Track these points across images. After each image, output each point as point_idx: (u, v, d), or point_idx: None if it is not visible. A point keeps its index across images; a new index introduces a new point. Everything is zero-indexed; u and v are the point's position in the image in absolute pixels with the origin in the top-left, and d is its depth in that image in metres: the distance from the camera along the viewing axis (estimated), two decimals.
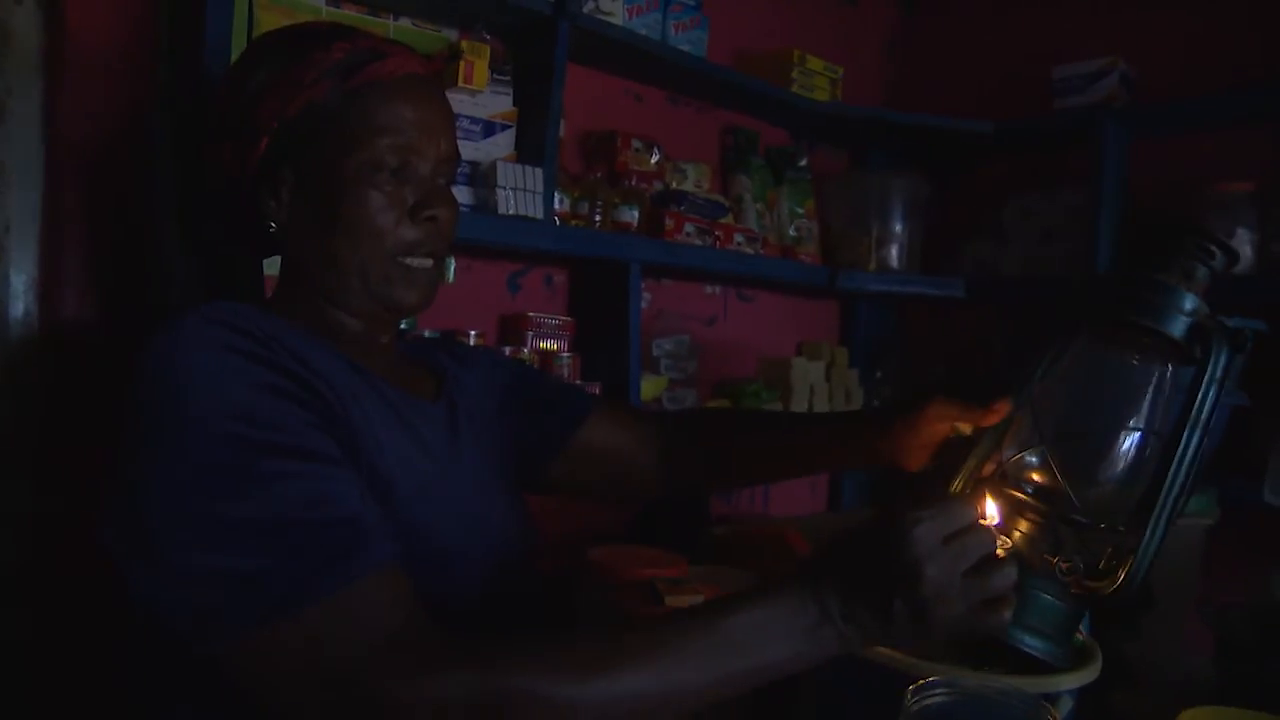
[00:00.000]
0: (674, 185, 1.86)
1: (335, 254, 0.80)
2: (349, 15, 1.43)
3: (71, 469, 1.13)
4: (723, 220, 1.85)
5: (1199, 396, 0.73)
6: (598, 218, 1.64)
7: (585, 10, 1.57)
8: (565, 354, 1.65)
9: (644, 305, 1.87)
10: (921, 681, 0.66)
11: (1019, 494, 0.78)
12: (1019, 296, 2.04)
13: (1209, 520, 1.32)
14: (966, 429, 0.89)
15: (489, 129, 1.49)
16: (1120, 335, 0.78)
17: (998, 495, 0.77)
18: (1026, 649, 0.73)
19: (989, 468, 0.84)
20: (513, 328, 1.67)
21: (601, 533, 1.53)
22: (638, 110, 1.90)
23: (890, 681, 0.69)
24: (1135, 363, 0.78)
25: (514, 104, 1.53)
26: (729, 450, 1.08)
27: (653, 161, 1.82)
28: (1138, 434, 0.76)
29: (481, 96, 1.47)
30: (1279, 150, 1.79)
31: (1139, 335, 0.76)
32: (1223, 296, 0.77)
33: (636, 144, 1.80)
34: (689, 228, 1.75)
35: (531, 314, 1.65)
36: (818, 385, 2.06)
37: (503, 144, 1.51)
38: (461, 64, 1.40)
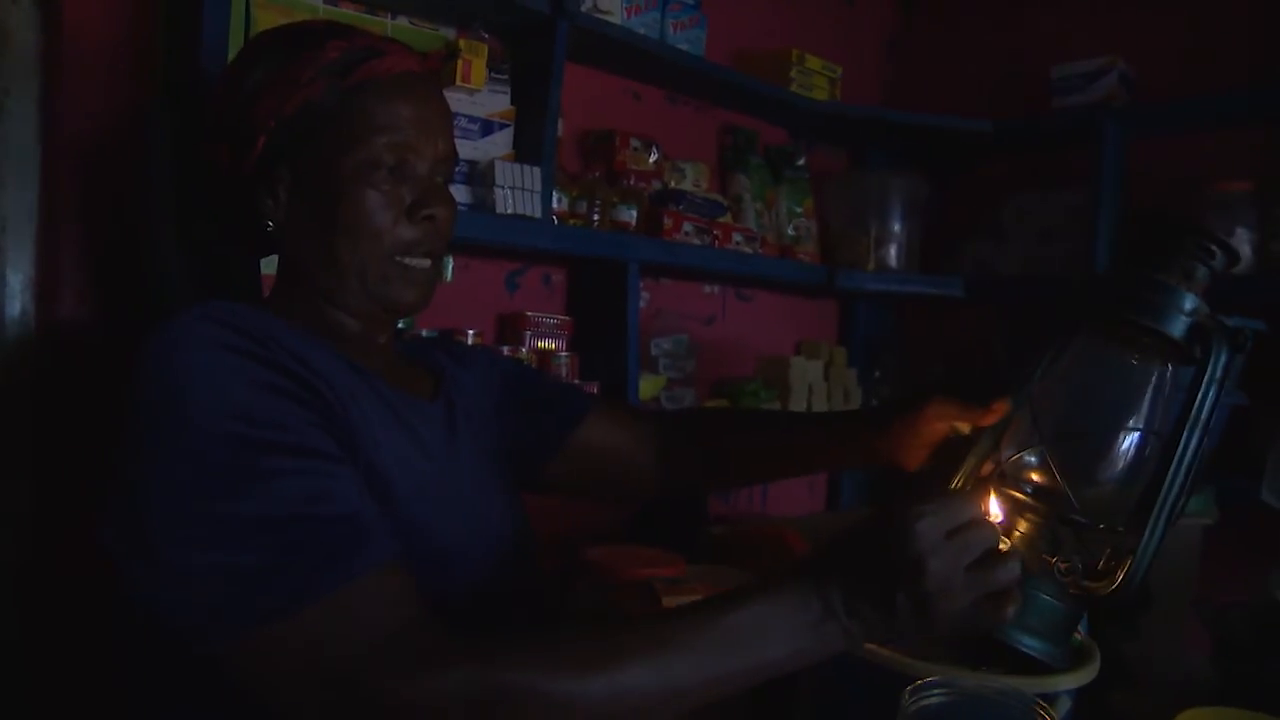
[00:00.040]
0: (672, 184, 1.86)
1: (333, 253, 0.80)
2: (346, 13, 1.43)
3: (70, 469, 1.13)
4: (721, 219, 1.85)
5: (1199, 396, 0.73)
6: (596, 217, 1.64)
7: (583, 9, 1.57)
8: (563, 353, 1.65)
9: (642, 304, 1.87)
10: (919, 681, 0.66)
11: (1018, 494, 0.77)
12: (1018, 296, 2.04)
13: (1207, 520, 1.32)
14: (965, 429, 0.89)
15: (487, 128, 1.49)
16: (1120, 335, 0.78)
17: (997, 495, 0.77)
18: (1024, 649, 0.73)
19: (987, 467, 0.84)
20: (511, 327, 1.67)
21: (599, 532, 1.53)
22: (636, 109, 1.90)
23: (888, 681, 0.69)
24: (1135, 362, 0.78)
25: (512, 103, 1.53)
26: (727, 450, 1.08)
27: (651, 161, 1.82)
28: (1137, 434, 0.76)
29: (479, 95, 1.47)
30: (1278, 150, 1.79)
31: (1139, 335, 0.76)
32: (1222, 296, 0.77)
33: (635, 143, 1.80)
34: (687, 227, 1.75)
35: (529, 313, 1.65)
36: (816, 385, 2.06)
37: (501, 143, 1.51)
38: (459, 62, 1.40)
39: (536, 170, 1.48)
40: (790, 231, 2.10)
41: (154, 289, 0.91)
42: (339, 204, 0.79)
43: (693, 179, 1.92)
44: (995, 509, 0.75)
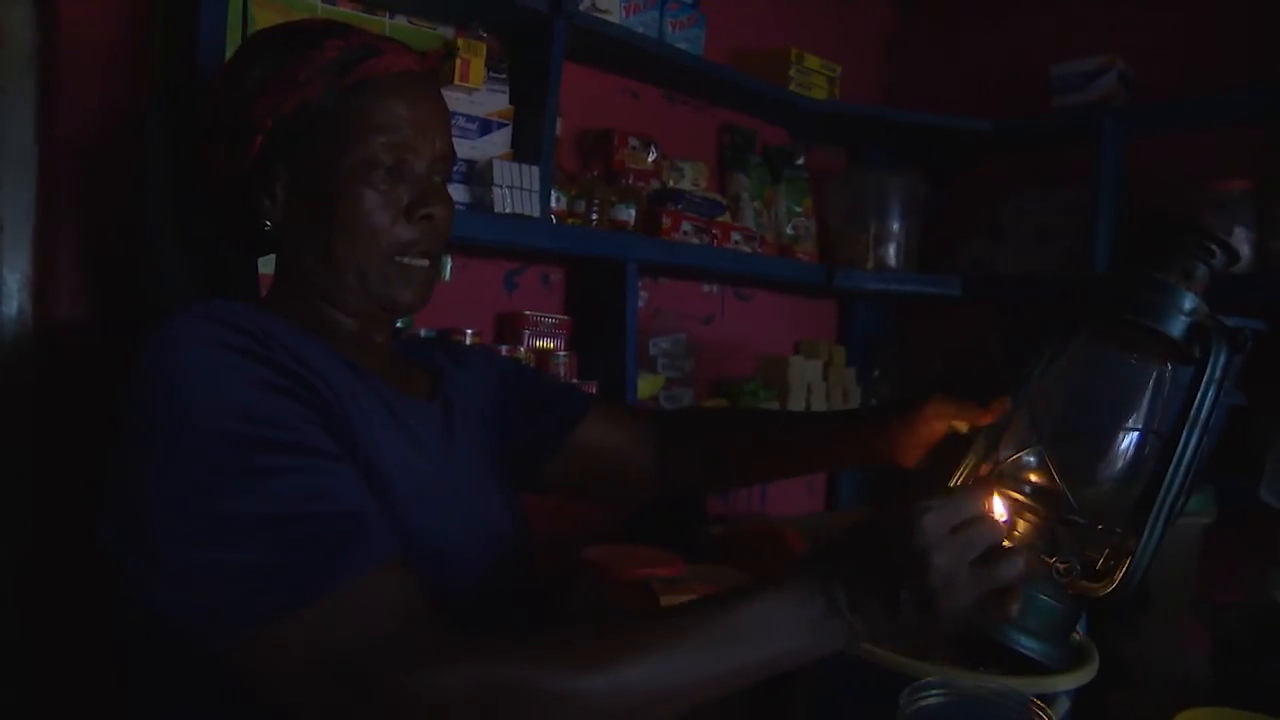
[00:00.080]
0: (671, 184, 1.86)
1: (331, 253, 0.80)
2: (344, 12, 1.42)
3: (68, 468, 1.12)
4: (720, 219, 1.85)
5: (1198, 396, 0.73)
6: (594, 216, 1.64)
7: (582, 8, 1.56)
8: (562, 353, 1.65)
9: (641, 304, 1.86)
10: (917, 682, 0.66)
11: (1016, 494, 0.77)
12: (1017, 295, 2.04)
13: (1206, 519, 1.32)
14: (964, 428, 0.89)
15: (485, 127, 1.49)
16: (1119, 334, 0.78)
17: (997, 494, 0.77)
18: (1022, 650, 0.73)
19: (986, 467, 0.83)
20: (509, 326, 1.67)
21: (598, 532, 1.53)
22: (635, 108, 1.90)
23: (886, 682, 0.69)
24: (1134, 362, 0.78)
25: (510, 102, 1.53)
26: (726, 449, 1.08)
27: (650, 160, 1.82)
28: (1136, 434, 0.76)
29: (478, 94, 1.47)
30: (1278, 150, 1.79)
31: (1138, 334, 0.76)
32: (1222, 296, 0.76)
33: (633, 142, 1.80)
34: (686, 226, 1.75)
35: (528, 312, 1.65)
36: (815, 384, 2.06)
37: (499, 142, 1.50)
38: (457, 62, 1.39)
39: (535, 169, 1.48)
40: (789, 231, 2.10)
41: (151, 288, 0.91)
42: (337, 203, 0.78)
43: (691, 178, 1.92)
44: (999, 507, 0.74)
